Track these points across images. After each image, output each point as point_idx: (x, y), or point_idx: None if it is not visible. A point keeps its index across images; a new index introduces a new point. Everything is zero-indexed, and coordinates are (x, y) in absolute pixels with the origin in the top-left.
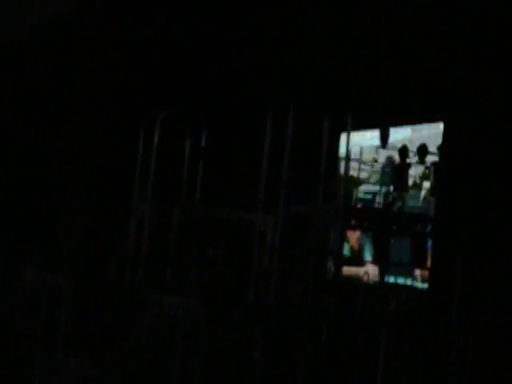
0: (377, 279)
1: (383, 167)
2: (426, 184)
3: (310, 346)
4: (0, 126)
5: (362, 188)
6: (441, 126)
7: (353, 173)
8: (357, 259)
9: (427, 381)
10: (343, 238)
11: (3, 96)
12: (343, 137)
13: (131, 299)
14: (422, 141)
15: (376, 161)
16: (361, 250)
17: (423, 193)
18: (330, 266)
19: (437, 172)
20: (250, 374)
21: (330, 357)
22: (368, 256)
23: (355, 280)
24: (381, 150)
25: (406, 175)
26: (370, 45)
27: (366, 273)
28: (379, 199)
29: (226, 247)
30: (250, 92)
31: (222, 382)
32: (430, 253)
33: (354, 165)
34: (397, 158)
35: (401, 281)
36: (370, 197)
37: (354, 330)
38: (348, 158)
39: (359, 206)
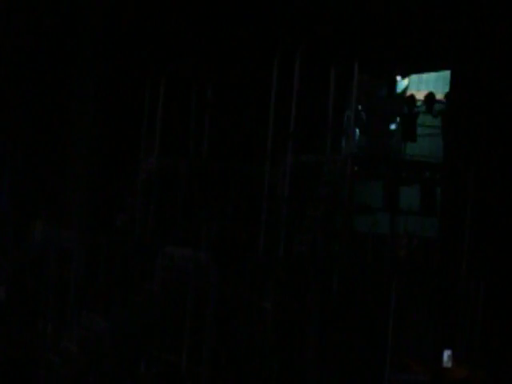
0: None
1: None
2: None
3: (321, 295)
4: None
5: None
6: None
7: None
8: (367, 208)
9: (438, 328)
10: (352, 188)
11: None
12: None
13: (141, 252)
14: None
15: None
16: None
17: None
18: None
19: (445, 120)
20: (261, 324)
21: (342, 305)
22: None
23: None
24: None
25: (413, 124)
26: None
27: (376, 221)
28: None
29: (235, 199)
30: (256, 43)
31: (233, 333)
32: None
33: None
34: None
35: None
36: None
37: (365, 278)
38: (356, 107)
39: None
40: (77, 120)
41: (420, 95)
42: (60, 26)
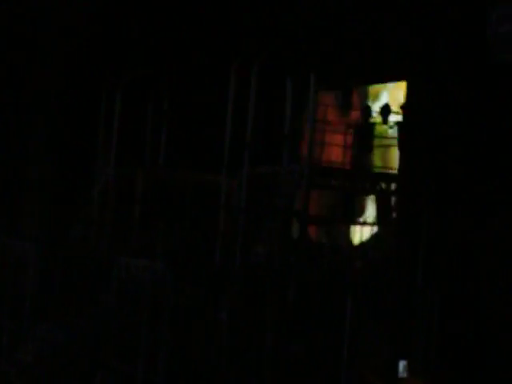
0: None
1: (347, 127)
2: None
3: (277, 307)
4: None
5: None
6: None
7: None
8: (322, 219)
9: (393, 339)
10: (308, 199)
11: None
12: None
13: (97, 263)
14: None
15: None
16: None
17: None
18: (296, 226)
19: (401, 130)
20: (217, 334)
21: (298, 316)
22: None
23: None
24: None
25: (369, 135)
26: (335, 5)
27: (330, 232)
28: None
29: (192, 209)
30: (212, 53)
31: (189, 343)
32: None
33: (318, 126)
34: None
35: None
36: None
37: (321, 290)
38: (313, 118)
39: (324, 166)
40: (32, 130)
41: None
42: (16, 32)
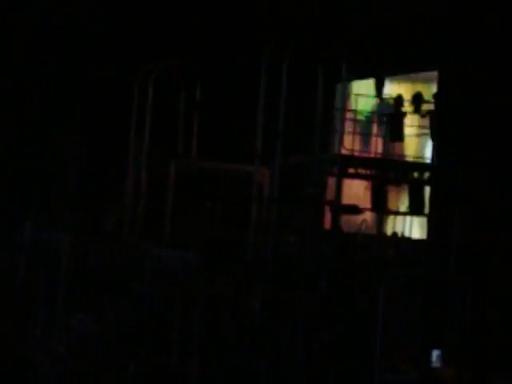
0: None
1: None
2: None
3: (309, 296)
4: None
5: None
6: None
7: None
8: (355, 208)
9: (426, 329)
10: (340, 188)
11: None
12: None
13: (129, 254)
14: None
15: (372, 112)
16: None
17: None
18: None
19: (433, 120)
20: (250, 324)
21: (330, 306)
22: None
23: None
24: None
25: (401, 124)
26: None
27: (365, 220)
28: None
29: (224, 200)
30: (244, 43)
31: (222, 333)
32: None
33: (350, 115)
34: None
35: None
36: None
37: (353, 279)
38: (344, 108)
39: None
40: (64, 120)
41: None
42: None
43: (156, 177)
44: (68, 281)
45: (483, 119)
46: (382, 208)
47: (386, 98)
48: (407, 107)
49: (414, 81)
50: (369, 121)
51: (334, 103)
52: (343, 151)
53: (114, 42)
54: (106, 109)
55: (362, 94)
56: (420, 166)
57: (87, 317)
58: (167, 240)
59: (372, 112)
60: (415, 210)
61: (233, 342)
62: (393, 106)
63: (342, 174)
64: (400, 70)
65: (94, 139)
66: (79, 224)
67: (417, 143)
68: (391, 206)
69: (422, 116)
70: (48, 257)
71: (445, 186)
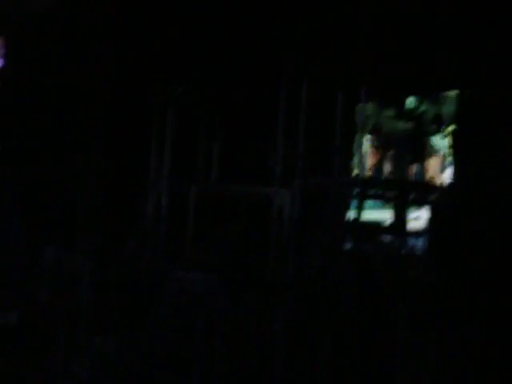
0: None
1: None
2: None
3: (330, 318)
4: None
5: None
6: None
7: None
8: (375, 230)
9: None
10: (361, 210)
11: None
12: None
13: (151, 277)
14: None
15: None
16: None
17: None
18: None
19: (455, 140)
20: (271, 347)
21: (351, 328)
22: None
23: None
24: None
25: (422, 145)
26: (382, 17)
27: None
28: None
29: (244, 223)
30: (264, 66)
31: (244, 356)
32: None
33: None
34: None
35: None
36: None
37: (374, 302)
38: (363, 130)
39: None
40: (86, 143)
41: None
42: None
43: (177, 200)
44: (89, 304)
45: (501, 140)
46: (402, 229)
47: (405, 119)
48: (428, 127)
49: (434, 101)
50: (389, 142)
51: (355, 125)
52: (364, 173)
53: (134, 64)
54: (127, 132)
55: (382, 115)
56: (439, 188)
57: (109, 341)
58: (188, 263)
59: (392, 133)
60: (434, 230)
61: (255, 364)
62: (413, 126)
63: (363, 196)
64: (420, 92)
65: (114, 162)
66: (101, 247)
67: (438, 164)
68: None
69: (444, 137)
70: (70, 280)
71: (464, 208)
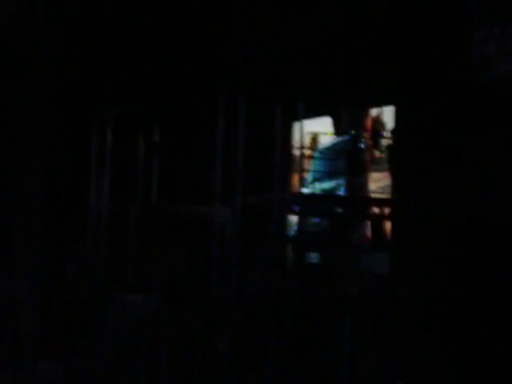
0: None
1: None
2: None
3: (275, 335)
4: None
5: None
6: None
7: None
8: (317, 245)
9: (391, 362)
10: (302, 225)
11: None
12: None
13: (93, 299)
14: None
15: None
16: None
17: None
18: (291, 253)
19: (391, 155)
20: (216, 366)
21: (296, 344)
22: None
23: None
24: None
25: (360, 160)
26: (317, 32)
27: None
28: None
29: (186, 242)
30: (200, 84)
31: (189, 376)
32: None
33: (308, 152)
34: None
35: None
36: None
37: (318, 316)
38: (302, 146)
39: (315, 193)
40: (23, 165)
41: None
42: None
43: (117, 221)
44: (33, 329)
45: (437, 152)
46: (344, 243)
47: (343, 134)
48: (366, 142)
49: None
50: (328, 158)
51: (292, 141)
52: (302, 189)
53: (72, 87)
54: (65, 155)
55: (319, 131)
56: (381, 201)
57: (53, 365)
58: (130, 284)
59: (331, 148)
60: (377, 243)
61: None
62: (351, 141)
63: (304, 212)
64: (356, 107)
65: (52, 184)
66: (40, 271)
67: (378, 178)
68: (354, 241)
69: (381, 151)
70: (10, 305)
71: (403, 221)
